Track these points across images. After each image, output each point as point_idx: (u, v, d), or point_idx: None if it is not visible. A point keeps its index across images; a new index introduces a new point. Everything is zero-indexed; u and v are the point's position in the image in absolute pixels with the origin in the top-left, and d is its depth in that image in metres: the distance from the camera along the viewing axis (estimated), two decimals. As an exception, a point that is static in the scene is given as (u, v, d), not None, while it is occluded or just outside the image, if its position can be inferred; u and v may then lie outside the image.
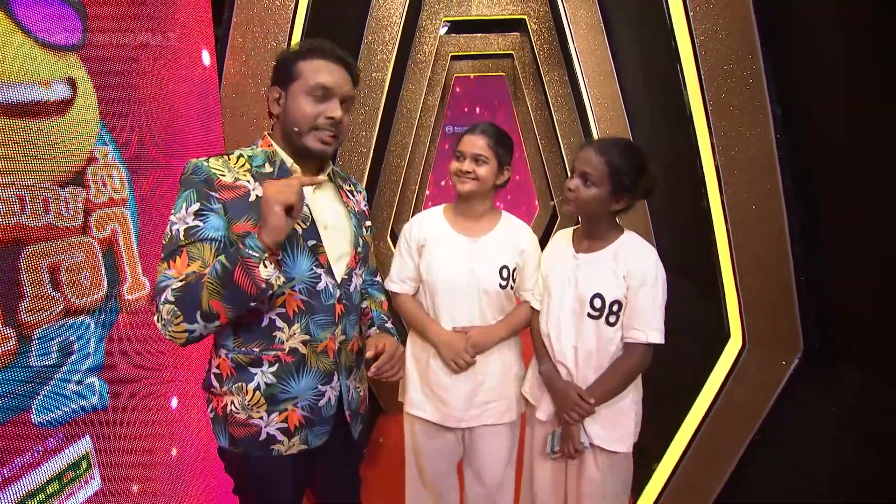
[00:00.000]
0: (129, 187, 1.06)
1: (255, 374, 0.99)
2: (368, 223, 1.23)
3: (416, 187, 5.01)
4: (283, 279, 0.93)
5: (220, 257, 0.88)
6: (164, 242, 0.92)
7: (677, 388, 1.76)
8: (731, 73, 1.25)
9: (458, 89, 7.12)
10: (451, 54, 4.91)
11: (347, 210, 1.15)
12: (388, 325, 1.26)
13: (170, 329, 0.88)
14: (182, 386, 1.26)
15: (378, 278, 1.36)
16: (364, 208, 1.24)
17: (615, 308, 1.28)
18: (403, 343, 1.29)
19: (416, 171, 4.88)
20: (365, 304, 1.26)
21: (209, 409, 1.06)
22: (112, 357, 1.01)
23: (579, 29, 2.73)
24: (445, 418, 1.49)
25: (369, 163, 2.59)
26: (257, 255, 0.86)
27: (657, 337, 1.26)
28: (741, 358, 1.50)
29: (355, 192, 1.23)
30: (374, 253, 1.28)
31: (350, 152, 2.59)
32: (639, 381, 1.37)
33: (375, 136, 2.60)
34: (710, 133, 1.36)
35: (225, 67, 1.37)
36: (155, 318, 0.90)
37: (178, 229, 0.91)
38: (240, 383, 1.00)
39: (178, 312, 0.87)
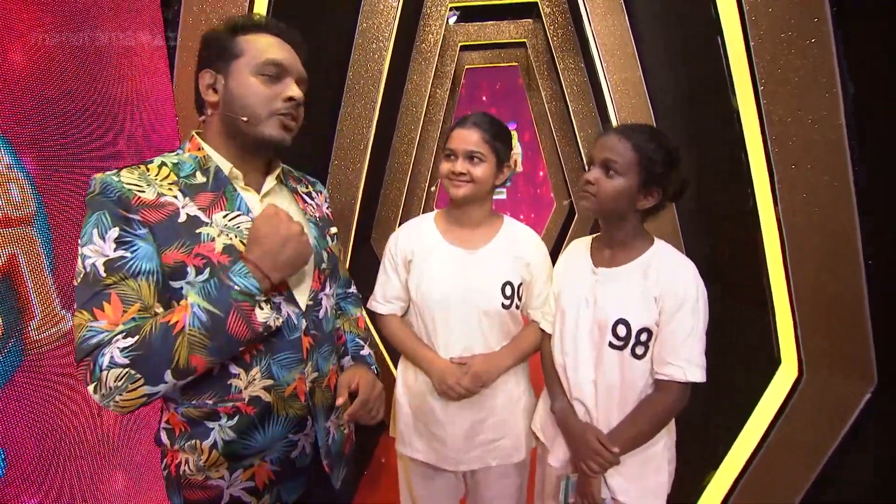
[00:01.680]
0: (38, 202, 0.87)
1: (212, 429, 0.82)
2: (334, 230, 1.04)
3: (426, 184, 4.81)
4: (281, 319, 0.81)
5: (198, 302, 0.73)
6: (76, 283, 0.73)
7: (715, 421, 1.51)
8: (791, 42, 1.00)
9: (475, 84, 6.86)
10: (460, 44, 4.68)
11: (306, 218, 0.96)
12: (364, 351, 1.07)
13: (119, 398, 0.71)
14: (111, 444, 1.06)
15: (353, 289, 1.18)
16: (327, 212, 1.05)
17: (643, 337, 1.05)
18: (389, 371, 1.09)
19: (424, 168, 4.68)
20: (338, 323, 1.07)
21: (162, 466, 0.89)
22: (11, 414, 0.83)
23: (596, 8, 2.48)
24: (443, 460, 1.28)
25: (367, 160, 2.40)
26: (253, 296, 0.76)
27: (698, 374, 1.02)
28: (797, 389, 1.24)
29: (314, 194, 1.03)
30: (342, 262, 1.09)
31: (347, 149, 2.40)
32: (671, 421, 1.13)
33: (373, 132, 2.41)
34: (761, 119, 1.11)
35: (177, 53, 1.17)
36: (91, 388, 0.71)
37: (93, 264, 0.72)
38: (193, 441, 0.82)
39: (137, 376, 0.70)
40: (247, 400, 0.83)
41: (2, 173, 0.80)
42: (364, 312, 1.19)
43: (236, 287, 0.75)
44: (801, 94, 1.02)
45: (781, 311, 1.28)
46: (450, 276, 1.22)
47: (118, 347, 0.70)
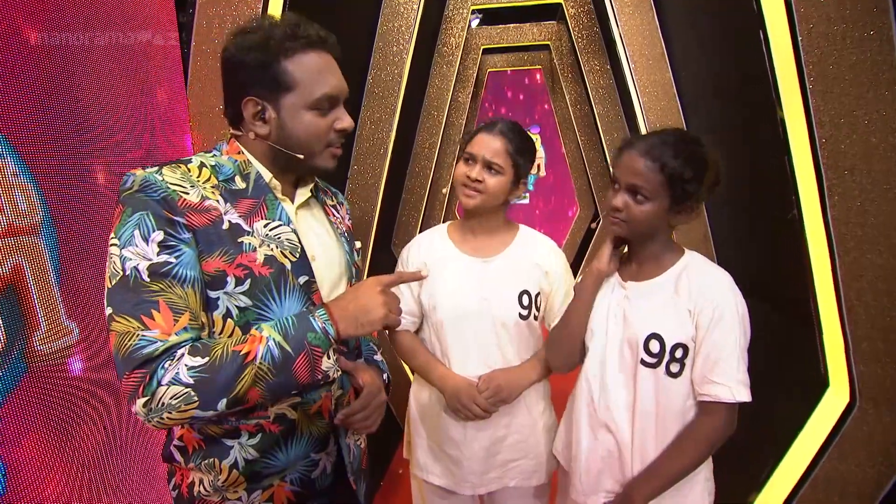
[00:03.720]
0: (45, 209, 0.85)
1: (232, 447, 0.79)
2: (358, 244, 1.00)
3: (448, 190, 4.77)
4: (340, 372, 0.79)
5: (273, 336, 0.71)
6: (111, 285, 0.68)
7: (753, 447, 1.39)
8: (845, 35, 0.91)
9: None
10: (482, 47, 4.63)
11: (336, 232, 0.92)
12: (377, 356, 1.03)
13: (166, 415, 0.67)
14: (116, 459, 1.03)
15: None
16: (349, 224, 1.01)
17: (678, 354, 0.96)
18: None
19: (446, 173, 4.64)
20: None
21: (171, 486, 0.85)
22: (13, 429, 0.81)
23: (623, 7, 2.39)
24: (459, 483, 1.22)
25: (387, 165, 2.37)
26: (329, 343, 0.74)
27: (744, 393, 0.93)
28: (850, 416, 1.13)
29: (338, 206, 0.99)
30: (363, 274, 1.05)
31: (366, 154, 2.38)
32: (709, 450, 1.04)
33: (394, 136, 2.37)
34: (809, 120, 1.02)
35: (191, 57, 1.15)
36: (140, 402, 0.67)
37: (135, 267, 0.68)
38: (210, 459, 0.79)
39: (195, 399, 0.67)
40: (272, 418, 0.79)
41: (7, 181, 0.79)
42: None
43: (316, 330, 0.72)
44: (857, 92, 0.93)
45: (830, 329, 1.17)
46: (464, 287, 1.17)
47: (186, 365, 0.67)
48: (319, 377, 0.74)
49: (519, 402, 1.20)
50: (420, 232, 1.29)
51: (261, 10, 1.10)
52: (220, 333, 0.76)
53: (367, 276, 1.12)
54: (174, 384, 0.66)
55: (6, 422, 0.80)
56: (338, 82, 0.80)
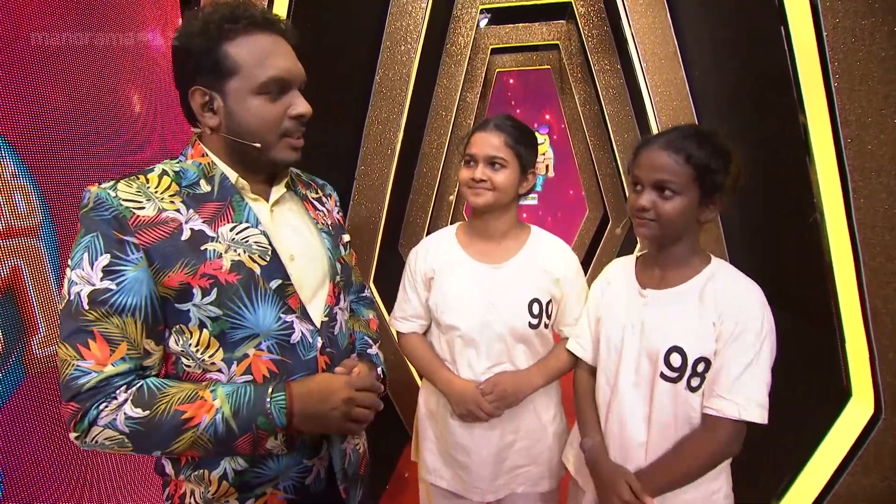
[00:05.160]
0: (45, 211, 0.83)
1: (222, 458, 0.78)
2: (346, 238, 0.96)
3: (456, 191, 4.74)
4: (285, 450, 0.79)
5: (224, 411, 0.70)
6: (61, 307, 0.69)
7: (769, 459, 1.35)
8: (874, 29, 0.87)
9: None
10: (490, 47, 4.60)
11: (317, 227, 0.88)
12: (372, 350, 1.00)
13: (100, 448, 0.71)
14: (115, 468, 1.02)
15: (366, 293, 1.11)
16: (338, 217, 0.97)
17: (700, 368, 0.92)
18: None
19: (454, 174, 4.62)
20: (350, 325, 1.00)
21: (165, 496, 0.84)
22: (11, 434, 0.79)
23: (635, 4, 2.35)
24: (467, 489, 1.20)
25: (394, 166, 2.35)
26: (274, 431, 0.73)
27: (756, 413, 0.88)
28: (874, 429, 1.09)
29: (324, 198, 0.96)
30: (357, 267, 1.02)
31: (373, 154, 2.36)
32: (727, 463, 1.00)
33: (401, 136, 2.35)
34: (833, 118, 0.97)
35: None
36: (73, 434, 0.69)
37: (78, 293, 0.67)
38: (200, 471, 0.78)
39: (129, 445, 0.69)
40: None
41: (6, 182, 0.77)
42: (376, 315, 1.11)
43: (269, 416, 0.72)
44: (886, 90, 0.88)
45: (853, 338, 1.12)
46: (472, 294, 1.14)
47: (125, 414, 0.68)
48: (262, 453, 0.75)
49: (527, 407, 1.18)
50: (427, 233, 1.26)
51: (265, 7, 1.08)
52: (197, 344, 0.74)
53: (374, 278, 1.10)
54: (109, 428, 0.67)
55: (4, 427, 0.78)
56: (287, 65, 0.75)
